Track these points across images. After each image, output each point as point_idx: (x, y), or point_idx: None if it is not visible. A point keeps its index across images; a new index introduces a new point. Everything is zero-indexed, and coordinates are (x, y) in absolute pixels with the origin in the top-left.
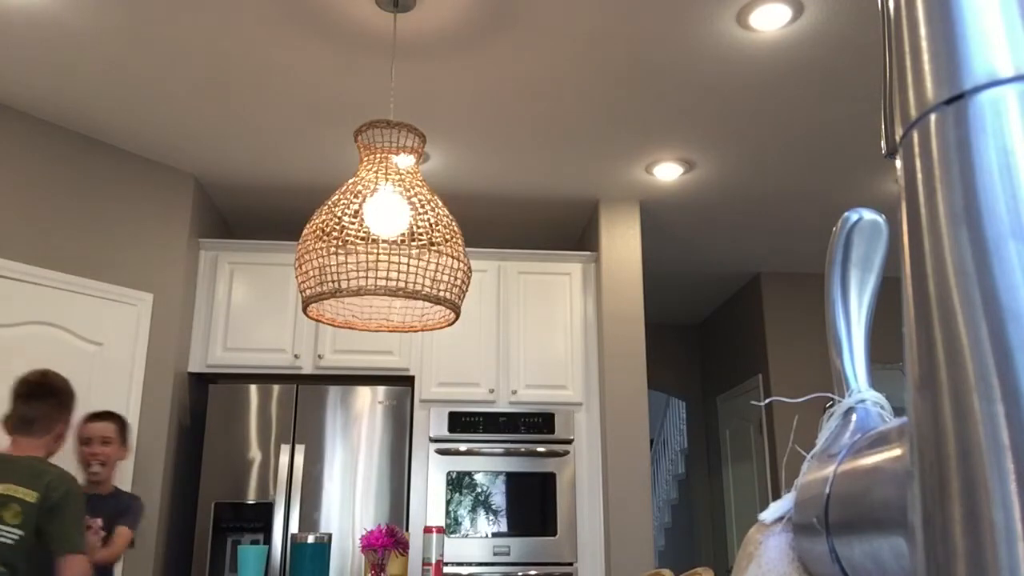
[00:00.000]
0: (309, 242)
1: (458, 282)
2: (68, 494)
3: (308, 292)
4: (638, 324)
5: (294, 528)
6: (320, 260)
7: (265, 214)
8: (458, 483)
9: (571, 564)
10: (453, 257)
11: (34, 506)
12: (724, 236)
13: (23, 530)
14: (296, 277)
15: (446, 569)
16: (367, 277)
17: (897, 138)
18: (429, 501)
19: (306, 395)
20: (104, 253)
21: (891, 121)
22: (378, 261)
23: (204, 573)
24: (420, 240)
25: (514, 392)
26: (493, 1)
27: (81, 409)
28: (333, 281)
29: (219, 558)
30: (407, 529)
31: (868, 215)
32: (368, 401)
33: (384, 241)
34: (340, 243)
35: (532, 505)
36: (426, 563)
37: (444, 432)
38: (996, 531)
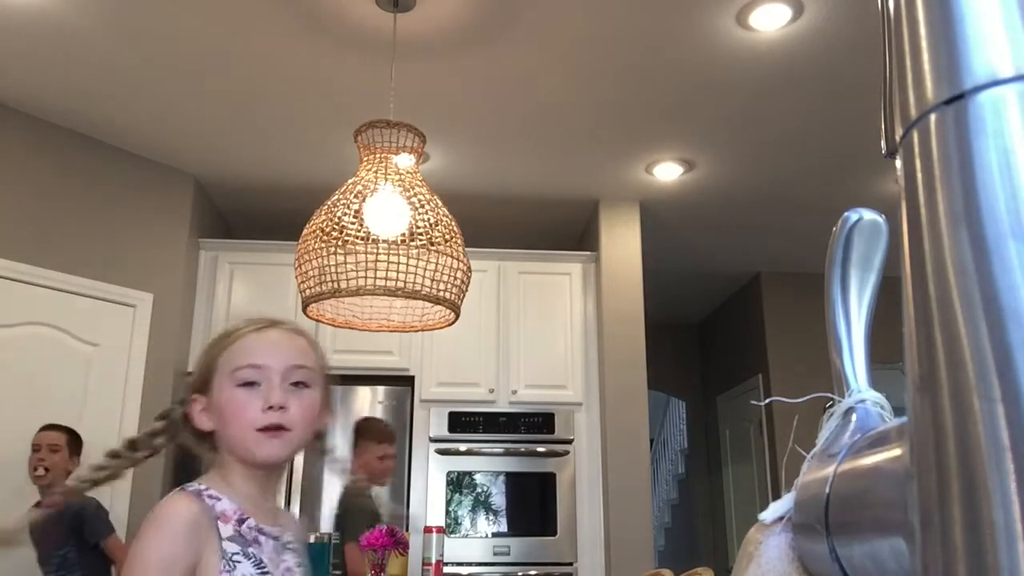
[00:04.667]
0: (309, 242)
1: (458, 282)
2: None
3: (308, 292)
4: (638, 324)
5: None
6: (320, 260)
7: (265, 214)
8: (458, 483)
9: (571, 564)
10: (453, 257)
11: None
12: (724, 236)
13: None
14: (296, 277)
15: (446, 569)
16: (367, 277)
17: (897, 138)
18: (429, 501)
19: None
20: (104, 253)
21: (891, 121)
22: (377, 261)
23: None
24: (420, 240)
25: (514, 392)
26: (493, 1)
27: (92, 411)
28: (333, 281)
29: None
30: (407, 529)
31: (868, 215)
32: (368, 401)
33: (384, 241)
34: (340, 243)
35: (532, 505)
36: (426, 563)
37: (444, 432)
38: (996, 531)
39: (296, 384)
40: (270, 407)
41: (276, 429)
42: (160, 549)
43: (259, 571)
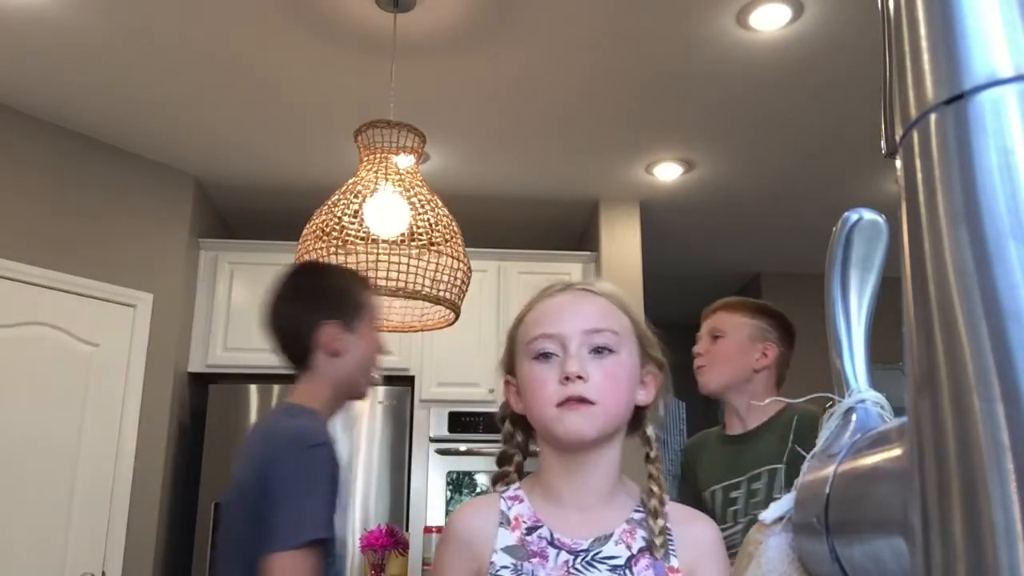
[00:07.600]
0: (309, 242)
1: (458, 282)
2: None
3: None
4: None
5: None
6: (320, 260)
7: (265, 214)
8: (458, 483)
9: None
10: (453, 257)
11: None
12: (724, 236)
13: None
14: None
15: None
16: (367, 277)
17: (897, 138)
18: (429, 501)
19: None
20: (104, 253)
21: (891, 121)
22: (378, 261)
23: (204, 573)
24: (420, 240)
25: None
26: (493, 1)
27: (90, 411)
28: None
29: None
30: (407, 529)
31: (868, 215)
32: (368, 401)
33: (384, 241)
34: (340, 243)
35: None
36: (426, 563)
37: (444, 432)
38: (996, 531)
39: (599, 350)
40: (566, 377)
41: (577, 402)
42: (438, 562)
43: None
